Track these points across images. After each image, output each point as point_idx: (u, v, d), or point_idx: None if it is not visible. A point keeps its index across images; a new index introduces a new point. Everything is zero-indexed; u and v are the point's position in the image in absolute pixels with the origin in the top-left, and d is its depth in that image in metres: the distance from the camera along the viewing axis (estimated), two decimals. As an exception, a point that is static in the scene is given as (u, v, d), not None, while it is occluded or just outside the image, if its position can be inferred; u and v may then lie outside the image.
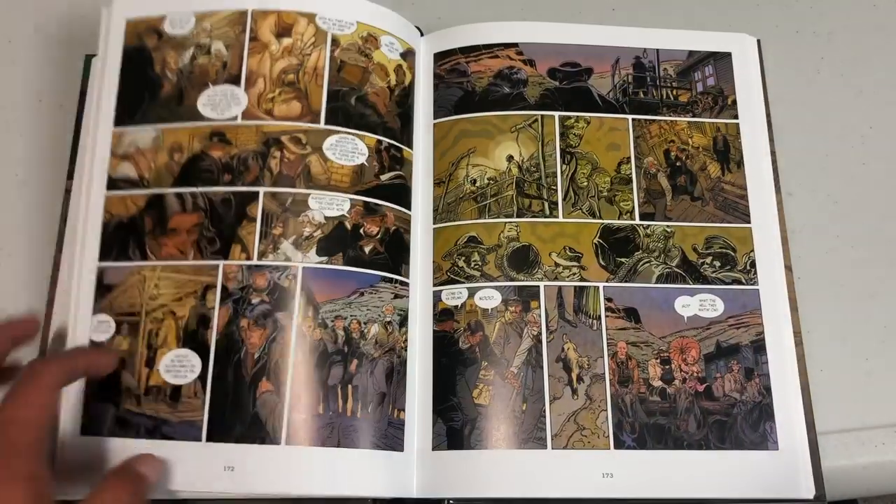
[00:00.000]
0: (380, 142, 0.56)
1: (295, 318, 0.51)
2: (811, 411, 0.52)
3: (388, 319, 0.53)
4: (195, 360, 0.51)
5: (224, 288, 0.52)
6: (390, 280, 0.53)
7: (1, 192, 0.60)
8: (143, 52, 0.57)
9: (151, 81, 0.56)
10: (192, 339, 0.51)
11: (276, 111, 0.55)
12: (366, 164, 0.55)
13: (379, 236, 0.54)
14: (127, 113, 0.56)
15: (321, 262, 0.52)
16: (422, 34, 0.62)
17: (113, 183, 0.55)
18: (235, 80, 0.56)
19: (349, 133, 0.55)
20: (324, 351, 0.51)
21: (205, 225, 0.53)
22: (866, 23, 0.65)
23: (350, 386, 0.51)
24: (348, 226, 0.53)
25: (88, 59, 0.62)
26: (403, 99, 0.58)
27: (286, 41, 0.57)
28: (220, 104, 0.55)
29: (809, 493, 0.50)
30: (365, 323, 0.52)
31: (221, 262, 0.52)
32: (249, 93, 0.56)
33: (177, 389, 0.50)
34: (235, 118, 0.55)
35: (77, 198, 0.56)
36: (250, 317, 0.51)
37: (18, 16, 0.66)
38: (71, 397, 0.51)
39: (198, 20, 0.57)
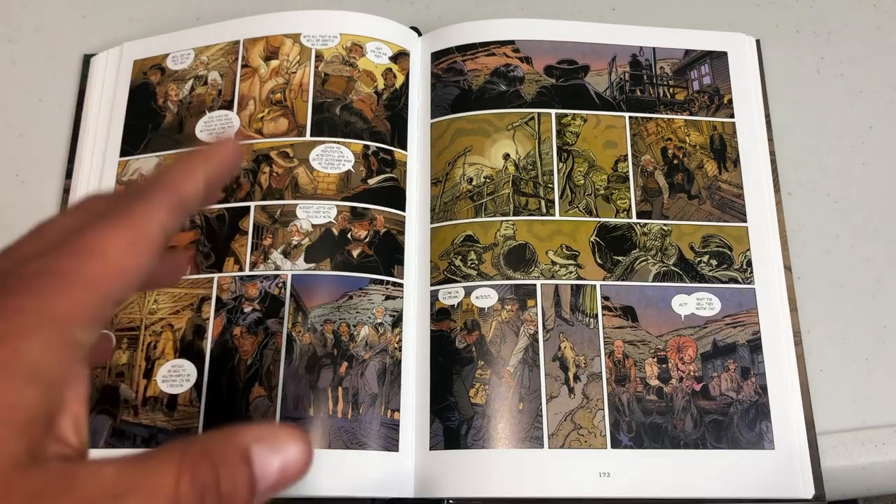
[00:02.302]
0: (366, 147, 0.57)
1: (285, 324, 0.52)
2: (811, 411, 0.52)
3: (378, 321, 0.53)
4: (191, 370, 0.52)
5: (218, 299, 0.54)
6: (381, 282, 0.54)
7: (1, 192, 0.60)
8: (148, 88, 0.61)
9: (155, 113, 0.60)
10: (189, 349, 0.53)
11: (266, 129, 0.58)
12: (352, 170, 0.56)
13: (367, 240, 0.54)
14: (132, 144, 0.59)
15: (309, 269, 0.54)
16: (420, 34, 0.62)
17: None
18: (229, 105, 0.59)
19: (334, 142, 0.57)
20: (313, 355, 0.52)
21: (201, 241, 0.55)
22: (866, 23, 0.65)
23: (341, 388, 0.51)
24: (335, 232, 0.54)
25: (88, 59, 0.63)
26: (394, 101, 0.59)
27: (273, 63, 0.59)
28: (216, 129, 0.58)
29: (808, 492, 0.50)
30: (354, 325, 0.52)
31: (216, 275, 0.54)
32: (241, 115, 0.58)
33: (173, 398, 0.52)
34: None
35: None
36: (243, 325, 0.53)
37: (18, 16, 0.66)
38: None
39: (196, 54, 0.61)
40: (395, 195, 0.56)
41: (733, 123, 0.59)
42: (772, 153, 0.59)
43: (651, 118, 0.59)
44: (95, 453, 0.51)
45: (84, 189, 0.58)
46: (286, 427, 0.25)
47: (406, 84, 0.59)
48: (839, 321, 0.56)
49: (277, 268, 0.54)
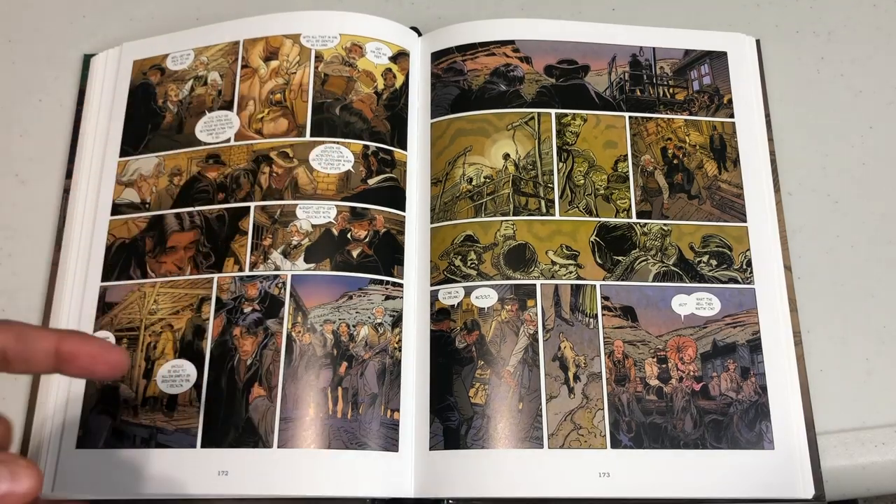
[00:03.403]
0: (366, 147, 0.57)
1: (285, 324, 0.52)
2: (810, 411, 0.52)
3: (378, 321, 0.53)
4: (190, 370, 0.52)
5: (218, 299, 0.54)
6: (380, 282, 0.54)
7: (1, 192, 0.60)
8: (147, 89, 0.61)
9: (154, 114, 0.60)
10: (188, 349, 0.53)
11: (265, 130, 0.58)
12: (352, 170, 0.56)
13: (367, 240, 0.54)
14: (132, 145, 0.59)
15: (309, 269, 0.53)
16: (420, 34, 0.62)
17: (116, 208, 0.57)
18: (229, 106, 0.59)
19: (334, 142, 0.57)
20: (313, 355, 0.52)
21: (201, 241, 0.55)
22: (866, 23, 0.65)
23: (340, 388, 0.51)
24: (335, 232, 0.54)
25: (88, 59, 0.63)
26: (394, 101, 0.59)
27: (273, 63, 0.59)
28: (216, 129, 0.58)
29: (808, 492, 0.50)
30: (354, 325, 0.52)
31: (216, 276, 0.54)
32: (241, 115, 0.58)
33: (173, 398, 0.52)
34: (228, 140, 0.58)
35: (73, 209, 0.59)
36: (242, 325, 0.53)
37: (18, 16, 0.66)
38: (69, 411, 0.52)
39: (196, 54, 0.61)
40: (394, 195, 0.56)
41: (733, 123, 0.59)
42: (772, 153, 0.59)
43: (651, 118, 0.59)
44: (95, 454, 0.51)
45: (84, 189, 0.58)
46: (19, 458, 0.29)
47: (406, 84, 0.59)
48: (839, 321, 0.56)
49: (277, 268, 0.54)
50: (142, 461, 0.50)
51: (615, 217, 0.56)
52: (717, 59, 0.61)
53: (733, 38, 0.62)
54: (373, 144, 0.57)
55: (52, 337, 0.35)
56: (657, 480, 0.50)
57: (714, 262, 0.55)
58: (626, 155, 0.58)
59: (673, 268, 0.55)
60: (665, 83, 0.60)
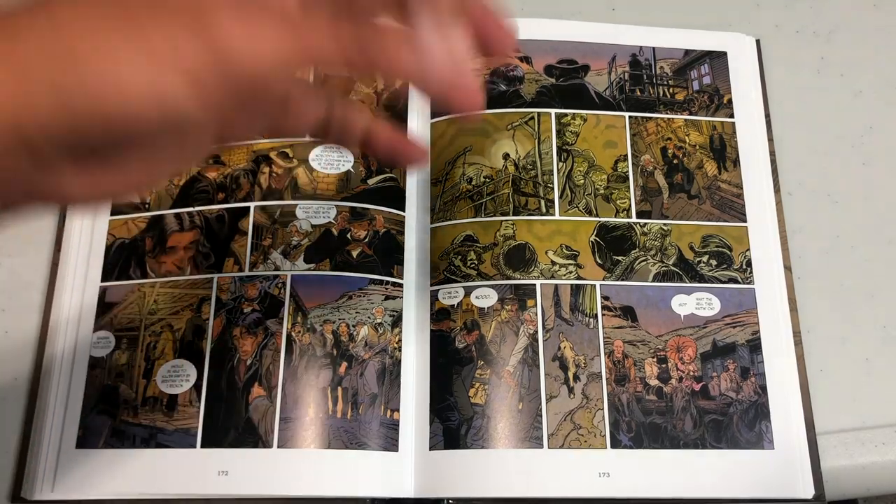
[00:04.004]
0: None
1: (285, 324, 0.52)
2: (810, 411, 0.52)
3: (378, 321, 0.53)
4: (190, 370, 0.52)
5: (218, 299, 0.54)
6: (380, 282, 0.54)
7: (0, 191, 0.60)
8: None
9: None
10: (188, 349, 0.53)
11: None
12: (352, 170, 0.56)
13: (366, 240, 0.54)
14: None
15: (308, 269, 0.54)
16: (420, 34, 0.62)
17: (116, 208, 0.57)
18: None
19: None
20: (313, 355, 0.52)
21: (201, 241, 0.55)
22: (866, 23, 0.65)
23: (340, 388, 0.51)
24: (335, 232, 0.54)
25: (88, 60, 0.63)
26: (394, 101, 0.58)
27: None
28: None
29: (808, 492, 0.50)
30: (353, 325, 0.52)
31: (216, 276, 0.54)
32: None
33: (173, 398, 0.52)
34: None
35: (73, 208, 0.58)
36: (242, 325, 0.53)
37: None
38: (69, 411, 0.52)
39: None
40: (394, 195, 0.56)
41: (733, 123, 0.59)
42: (772, 153, 0.59)
43: (651, 118, 0.59)
44: (95, 454, 0.51)
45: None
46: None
47: (406, 84, 0.59)
48: (839, 321, 0.56)
49: (277, 268, 0.54)
50: (142, 461, 0.50)
51: (615, 217, 0.56)
52: (717, 59, 0.61)
53: (733, 38, 0.62)
54: (373, 144, 0.57)
55: (368, 115, 0.37)
56: (657, 480, 0.50)
57: (714, 262, 0.55)
58: (626, 155, 0.58)
59: (673, 268, 0.55)
60: (665, 83, 0.60)
